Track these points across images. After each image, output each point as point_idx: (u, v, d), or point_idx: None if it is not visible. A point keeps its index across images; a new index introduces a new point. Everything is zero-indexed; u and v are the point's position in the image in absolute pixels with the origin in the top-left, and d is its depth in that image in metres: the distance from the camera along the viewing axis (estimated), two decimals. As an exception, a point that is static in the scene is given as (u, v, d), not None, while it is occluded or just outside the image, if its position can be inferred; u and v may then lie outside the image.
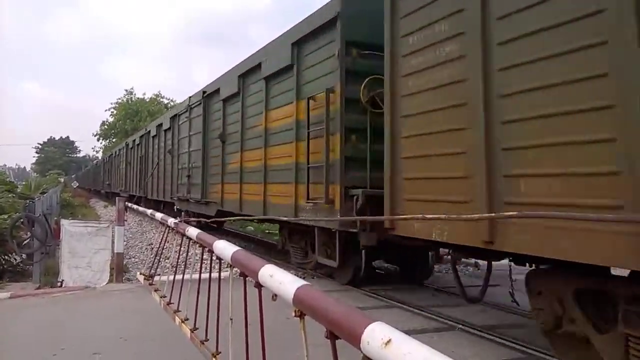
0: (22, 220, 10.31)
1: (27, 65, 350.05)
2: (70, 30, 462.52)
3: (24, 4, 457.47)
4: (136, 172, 25.54)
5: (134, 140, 27.46)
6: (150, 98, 59.78)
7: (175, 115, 17.69)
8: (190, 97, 15.54)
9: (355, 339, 1.61)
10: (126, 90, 60.14)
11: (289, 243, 9.72)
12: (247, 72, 10.89)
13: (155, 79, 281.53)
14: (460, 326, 5.72)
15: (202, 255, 4.64)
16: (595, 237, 3.64)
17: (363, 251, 7.39)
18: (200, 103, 14.15)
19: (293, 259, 9.52)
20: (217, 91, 12.78)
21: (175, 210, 15.90)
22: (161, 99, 60.10)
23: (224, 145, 12.15)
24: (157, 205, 19.44)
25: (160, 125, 20.23)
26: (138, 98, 59.61)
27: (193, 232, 5.11)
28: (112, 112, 60.11)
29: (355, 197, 6.98)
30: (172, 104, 55.76)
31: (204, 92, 13.99)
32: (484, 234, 4.63)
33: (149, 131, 22.87)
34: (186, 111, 15.73)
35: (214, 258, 4.22)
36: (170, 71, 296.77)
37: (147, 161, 22.76)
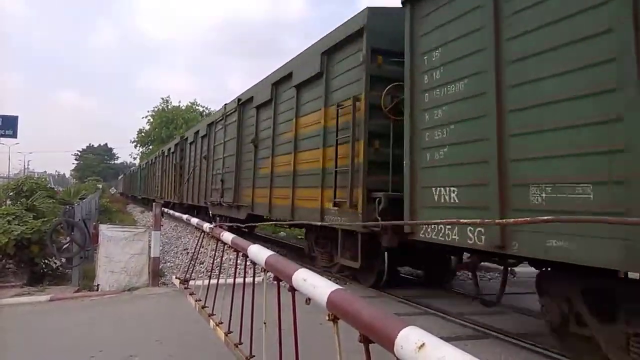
0: (61, 225, 10.51)
1: (66, 73, 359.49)
2: (106, 39, 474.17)
3: (61, 14, 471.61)
4: (171, 179, 25.68)
5: (169, 149, 27.95)
6: (186, 106, 60.71)
7: (212, 122, 18.03)
8: (225, 104, 15.87)
9: (388, 343, 1.60)
10: (162, 99, 61.23)
11: (315, 247, 9.83)
12: (279, 81, 11.11)
13: (190, 87, 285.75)
14: (495, 333, 5.63)
15: (237, 259, 4.68)
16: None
17: (385, 254, 7.51)
18: (235, 110, 14.39)
19: (319, 263, 9.57)
20: (251, 99, 13.05)
21: (211, 215, 16.11)
22: (197, 107, 61.00)
23: (256, 150, 12.35)
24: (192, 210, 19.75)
25: (197, 132, 20.59)
26: (174, 106, 60.58)
27: (228, 236, 5.16)
28: (148, 119, 61.27)
29: (377, 200, 7.15)
30: (207, 112, 56.51)
31: (239, 100, 14.25)
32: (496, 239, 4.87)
33: (186, 138, 23.15)
34: (222, 119, 16.07)
35: (248, 263, 4.26)
36: (205, 79, 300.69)
37: (184, 168, 22.98)
